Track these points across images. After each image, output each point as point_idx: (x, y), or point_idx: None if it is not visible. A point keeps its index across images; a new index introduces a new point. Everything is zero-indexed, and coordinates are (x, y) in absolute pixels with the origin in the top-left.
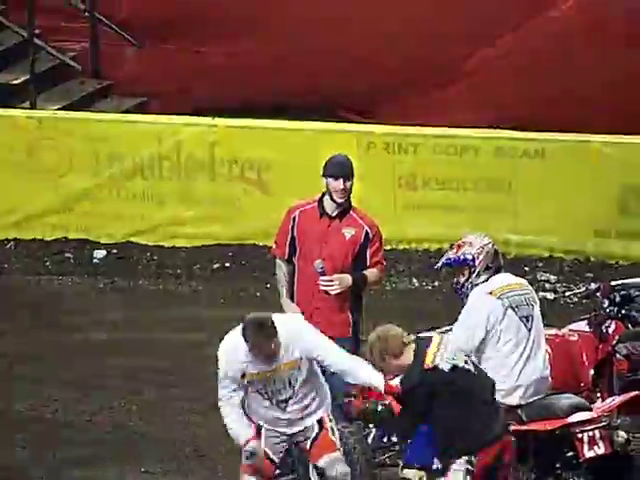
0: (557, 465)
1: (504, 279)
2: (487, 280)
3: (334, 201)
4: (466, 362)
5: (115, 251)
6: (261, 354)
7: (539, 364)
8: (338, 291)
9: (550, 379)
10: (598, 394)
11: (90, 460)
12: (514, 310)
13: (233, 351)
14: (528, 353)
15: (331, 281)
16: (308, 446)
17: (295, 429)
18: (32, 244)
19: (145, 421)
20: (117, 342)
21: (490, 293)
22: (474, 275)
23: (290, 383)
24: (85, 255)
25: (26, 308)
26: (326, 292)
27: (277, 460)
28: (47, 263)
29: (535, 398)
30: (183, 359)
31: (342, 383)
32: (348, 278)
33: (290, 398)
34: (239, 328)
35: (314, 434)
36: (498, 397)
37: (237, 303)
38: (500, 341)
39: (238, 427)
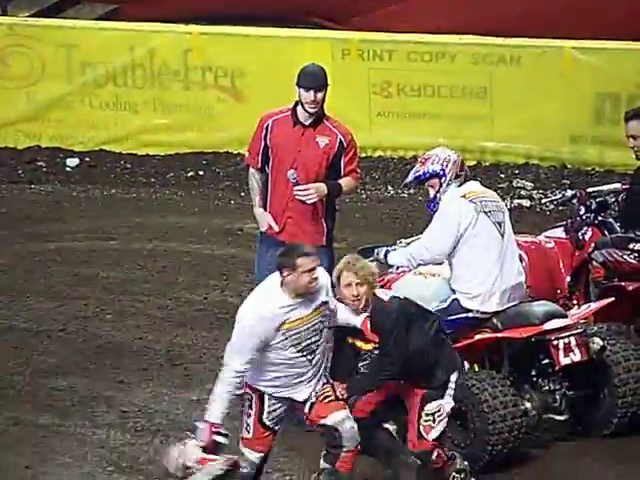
0: (533, 372)
1: (475, 186)
2: (459, 187)
3: (306, 111)
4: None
5: (88, 159)
6: (312, 277)
7: (513, 270)
8: (314, 200)
9: (526, 286)
10: (574, 301)
11: (64, 370)
12: (487, 215)
13: (273, 304)
14: (502, 259)
15: (307, 190)
16: (307, 409)
17: (307, 392)
18: (4, 153)
19: (119, 331)
20: (91, 251)
21: (463, 196)
22: (445, 185)
23: (321, 330)
24: (58, 163)
25: None
26: (302, 202)
27: (277, 429)
28: (20, 172)
29: (511, 304)
30: (157, 268)
31: None
32: (323, 187)
33: (319, 346)
34: (269, 286)
35: (314, 398)
36: (475, 304)
37: (211, 211)
38: (473, 245)
39: (220, 406)
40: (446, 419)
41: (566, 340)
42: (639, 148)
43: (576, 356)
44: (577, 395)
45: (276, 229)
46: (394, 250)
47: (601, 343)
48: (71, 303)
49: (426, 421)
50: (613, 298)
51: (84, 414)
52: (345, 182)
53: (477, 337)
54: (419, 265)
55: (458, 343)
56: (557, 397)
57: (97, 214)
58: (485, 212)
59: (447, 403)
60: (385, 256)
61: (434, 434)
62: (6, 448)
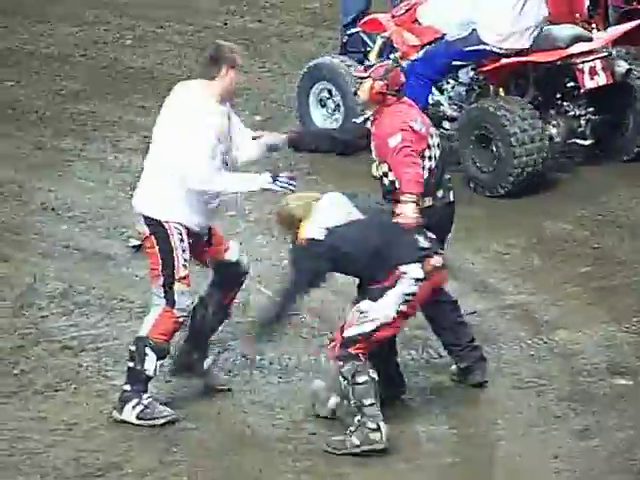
0: (558, 97)
1: None
2: None
3: None
4: None
5: None
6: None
7: (534, 11)
8: None
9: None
10: (593, 25)
11: (85, 95)
12: None
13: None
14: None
15: None
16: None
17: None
18: None
19: (139, 56)
20: None
21: None
22: None
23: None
24: None
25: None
26: None
27: None
28: None
29: (530, 43)
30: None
31: None
32: None
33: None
34: None
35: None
36: (494, 40)
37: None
38: None
39: (245, 176)
40: (371, 325)
41: (592, 64)
42: None
43: (601, 79)
44: (601, 120)
45: None
46: None
47: (627, 66)
48: (92, 28)
49: (353, 314)
50: (638, 22)
51: (106, 138)
52: None
53: (503, 61)
54: None
55: (483, 67)
56: (582, 122)
57: None
58: None
59: (377, 310)
60: None
61: (350, 332)
62: (30, 171)
